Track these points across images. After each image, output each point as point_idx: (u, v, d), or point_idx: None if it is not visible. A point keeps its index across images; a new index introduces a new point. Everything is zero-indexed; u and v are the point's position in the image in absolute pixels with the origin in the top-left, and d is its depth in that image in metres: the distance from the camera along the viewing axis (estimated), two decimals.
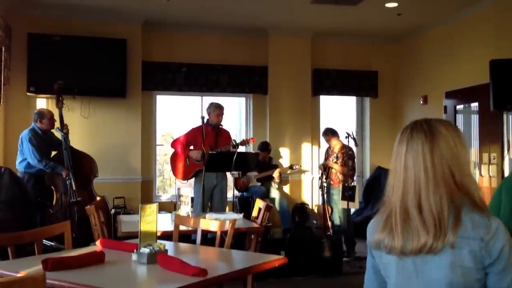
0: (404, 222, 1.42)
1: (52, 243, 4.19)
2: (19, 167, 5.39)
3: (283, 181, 7.43)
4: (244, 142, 5.81)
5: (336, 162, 6.08)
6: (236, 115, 8.11)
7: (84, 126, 6.67)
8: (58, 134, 5.45)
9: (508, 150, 5.90)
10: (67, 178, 5.22)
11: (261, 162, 6.98)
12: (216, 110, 5.61)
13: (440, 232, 1.36)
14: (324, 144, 7.04)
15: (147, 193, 7.20)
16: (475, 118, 6.73)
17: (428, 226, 1.38)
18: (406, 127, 1.52)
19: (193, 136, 5.58)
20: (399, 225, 1.43)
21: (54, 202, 5.34)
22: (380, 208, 1.55)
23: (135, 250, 2.53)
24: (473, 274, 1.37)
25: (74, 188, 5.15)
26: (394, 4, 6.38)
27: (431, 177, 1.41)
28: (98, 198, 5.18)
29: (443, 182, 1.41)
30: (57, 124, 5.51)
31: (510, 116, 6.00)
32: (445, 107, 7.07)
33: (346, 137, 5.92)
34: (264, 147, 7.14)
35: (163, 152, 8.10)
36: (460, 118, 7.00)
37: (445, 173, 1.41)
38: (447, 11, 6.70)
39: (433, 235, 1.37)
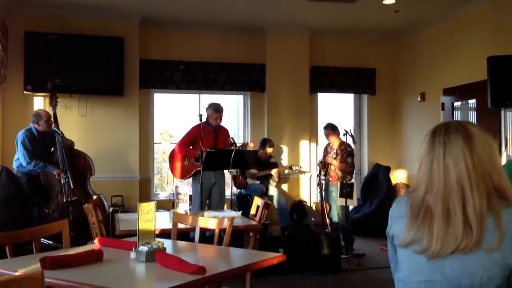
0: (445, 224, 1.42)
1: (50, 242, 4.18)
2: (14, 166, 5.38)
3: (282, 179, 7.43)
4: (244, 146, 5.79)
5: (335, 158, 6.08)
6: (234, 113, 8.10)
7: (82, 125, 6.66)
8: (54, 133, 5.43)
9: (506, 146, 5.91)
10: (64, 177, 5.20)
11: (260, 160, 6.98)
12: (214, 113, 5.58)
13: (481, 234, 1.38)
14: (322, 142, 7.04)
15: (145, 191, 7.19)
16: (472, 115, 6.74)
17: (472, 226, 1.39)
18: (438, 129, 1.52)
19: (192, 136, 5.56)
20: (441, 229, 1.42)
21: (50, 201, 5.32)
22: (405, 201, 1.54)
23: (133, 248, 2.52)
24: (499, 270, 1.39)
25: (71, 187, 5.14)
26: (392, 1, 6.37)
27: (473, 178, 1.42)
28: (95, 197, 5.16)
29: (483, 183, 1.42)
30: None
31: (508, 112, 6.02)
32: (443, 104, 7.08)
33: (344, 135, 5.92)
34: (267, 143, 7.11)
35: (161, 150, 8.10)
36: (457, 115, 7.02)
37: (485, 174, 1.43)
38: (445, 8, 6.70)
39: (475, 236, 1.38)
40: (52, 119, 5.47)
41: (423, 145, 1.53)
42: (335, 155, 6.11)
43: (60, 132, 5.20)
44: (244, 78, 7.63)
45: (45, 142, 5.57)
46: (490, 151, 1.46)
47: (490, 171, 1.43)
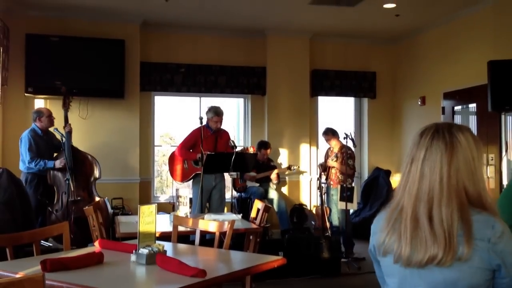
0: (413, 229, 1.42)
1: (50, 244, 4.18)
2: (21, 168, 5.39)
3: (281, 182, 7.43)
4: (245, 151, 5.80)
5: (336, 161, 6.08)
6: (234, 116, 8.11)
7: (83, 127, 6.65)
8: (58, 135, 5.44)
9: (506, 151, 5.91)
10: (66, 178, 5.21)
11: (259, 162, 6.98)
12: (214, 117, 5.57)
13: (450, 247, 1.36)
14: (322, 145, 7.04)
15: (146, 194, 7.19)
16: (473, 119, 6.74)
17: (438, 239, 1.38)
18: (427, 130, 1.49)
19: (192, 139, 5.56)
20: (409, 232, 1.42)
21: (55, 201, 5.34)
22: (386, 206, 1.54)
23: (133, 251, 2.52)
24: (481, 275, 1.38)
25: (72, 188, 5.15)
26: (392, 5, 6.39)
27: (445, 189, 1.41)
28: (97, 199, 5.17)
29: (456, 195, 1.41)
30: (59, 124, 5.51)
31: (508, 117, 6.02)
32: (443, 108, 7.08)
33: (344, 138, 5.93)
34: (264, 145, 7.12)
35: (161, 153, 8.10)
36: (458, 119, 7.02)
37: (459, 186, 1.41)
38: (445, 12, 6.71)
39: (442, 249, 1.36)
40: (62, 120, 5.51)
41: (410, 143, 1.52)
42: (335, 158, 6.11)
43: (62, 134, 5.21)
44: (244, 81, 7.64)
45: (48, 141, 5.58)
46: (473, 164, 1.43)
47: (466, 183, 1.41)
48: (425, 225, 1.40)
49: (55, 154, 5.61)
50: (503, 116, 6.06)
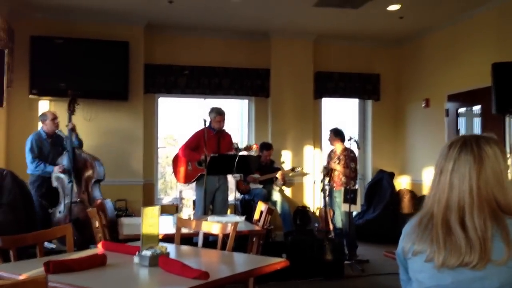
0: (446, 235, 1.46)
1: (54, 246, 4.19)
2: (28, 171, 5.43)
3: (287, 183, 7.42)
4: (248, 149, 5.82)
5: (338, 164, 6.08)
6: (238, 117, 8.11)
7: (86, 129, 6.67)
8: (63, 136, 5.49)
9: (510, 153, 5.89)
10: (69, 180, 5.23)
11: (262, 164, 6.98)
12: (217, 116, 5.61)
13: (485, 254, 1.40)
14: (326, 147, 7.03)
15: (149, 196, 7.20)
16: (477, 122, 6.72)
17: (473, 245, 1.42)
18: (454, 143, 1.55)
19: (195, 140, 5.59)
20: (441, 238, 1.46)
21: (58, 203, 5.36)
22: (416, 214, 1.58)
23: (137, 253, 2.52)
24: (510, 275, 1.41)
25: (75, 190, 5.17)
26: (396, 7, 6.38)
27: (475, 199, 1.45)
28: (98, 200, 5.18)
29: (487, 205, 1.45)
30: (64, 126, 5.53)
31: None
32: (447, 110, 7.07)
33: (348, 140, 5.92)
34: (266, 146, 7.12)
35: (165, 155, 8.11)
36: (462, 121, 7.00)
37: (489, 196, 1.46)
38: (449, 15, 6.70)
39: (478, 255, 1.40)
40: (58, 119, 5.55)
41: (438, 155, 1.57)
42: (338, 161, 6.10)
43: (64, 135, 5.23)
44: (248, 83, 7.65)
45: (54, 144, 5.60)
46: (501, 176, 1.48)
47: (495, 193, 1.46)
48: (459, 232, 1.44)
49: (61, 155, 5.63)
50: (507, 119, 6.03)
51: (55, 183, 5.33)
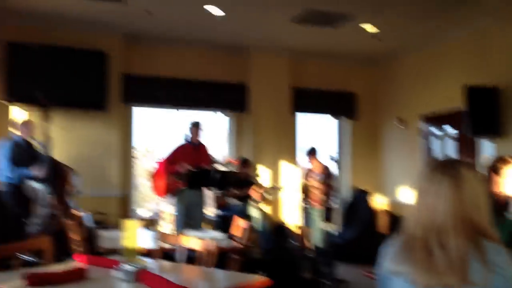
0: (426, 256, 1.48)
1: (30, 258, 4.05)
2: (2, 179, 5.27)
3: (263, 200, 7.39)
4: (227, 163, 5.84)
5: (320, 182, 6.09)
6: (216, 131, 8.08)
7: (61, 138, 6.50)
8: (37, 144, 5.35)
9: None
10: (44, 191, 5.10)
11: (240, 180, 6.93)
12: (193, 128, 5.70)
13: (464, 275, 1.42)
14: (301, 163, 7.05)
15: (124, 208, 7.05)
16: (450, 143, 6.87)
17: (453, 266, 1.44)
18: (434, 166, 1.59)
19: (175, 154, 5.60)
20: (422, 259, 1.48)
21: (32, 213, 5.20)
22: (396, 235, 1.60)
23: (117, 267, 2.46)
24: None
25: (50, 201, 5.04)
26: (374, 29, 6.51)
27: (454, 221, 1.49)
28: (76, 212, 5.06)
29: (465, 227, 1.48)
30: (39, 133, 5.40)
31: (486, 142, 6.14)
32: (421, 131, 7.20)
33: (330, 159, 5.98)
34: (244, 162, 7.10)
35: (140, 167, 7.99)
36: (435, 142, 7.14)
37: (467, 218, 1.49)
38: (425, 37, 6.88)
39: (458, 277, 1.42)
40: (32, 126, 5.41)
41: (419, 177, 1.61)
42: (320, 179, 6.10)
43: (40, 142, 5.12)
44: (225, 96, 7.65)
45: (28, 151, 5.45)
46: (477, 196, 1.53)
47: (473, 215, 1.50)
48: (438, 253, 1.47)
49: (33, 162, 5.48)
50: (480, 141, 6.19)
51: (29, 193, 5.19)
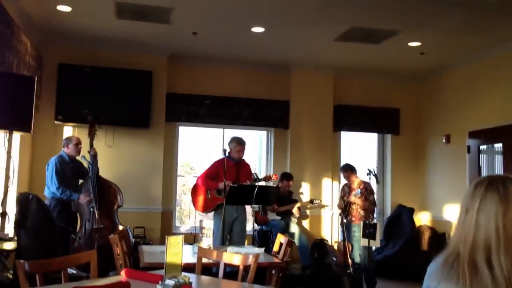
0: (473, 275, 1.46)
1: (74, 271, 4.19)
2: (46, 194, 5.47)
3: (302, 216, 7.38)
4: (267, 178, 5.84)
5: (360, 198, 6.03)
6: (257, 148, 8.15)
7: (108, 155, 6.76)
8: (85, 163, 5.56)
9: None
10: (91, 205, 5.30)
11: (281, 196, 6.96)
12: (237, 146, 5.66)
13: None
14: (343, 180, 6.99)
15: (166, 224, 7.19)
16: (499, 159, 6.65)
17: (499, 285, 1.41)
18: (480, 182, 1.56)
19: (215, 170, 5.63)
20: (468, 277, 1.46)
21: (78, 228, 5.40)
22: (441, 253, 1.58)
23: (160, 282, 2.52)
24: None
25: (96, 216, 5.22)
26: (417, 43, 6.43)
27: (502, 239, 1.46)
28: (120, 227, 5.21)
29: None
30: (86, 151, 5.62)
31: None
32: (468, 147, 7.01)
33: (367, 174, 5.90)
34: (287, 176, 7.13)
35: (181, 183, 8.14)
36: (483, 158, 6.93)
37: None
38: (470, 51, 6.73)
39: None
40: (81, 145, 5.63)
41: (464, 194, 1.58)
42: (360, 195, 6.05)
43: (88, 161, 5.32)
44: (268, 114, 7.71)
45: (75, 168, 5.67)
46: None
47: None
48: (485, 271, 1.44)
49: (80, 181, 5.69)
50: None
51: (75, 208, 5.38)
